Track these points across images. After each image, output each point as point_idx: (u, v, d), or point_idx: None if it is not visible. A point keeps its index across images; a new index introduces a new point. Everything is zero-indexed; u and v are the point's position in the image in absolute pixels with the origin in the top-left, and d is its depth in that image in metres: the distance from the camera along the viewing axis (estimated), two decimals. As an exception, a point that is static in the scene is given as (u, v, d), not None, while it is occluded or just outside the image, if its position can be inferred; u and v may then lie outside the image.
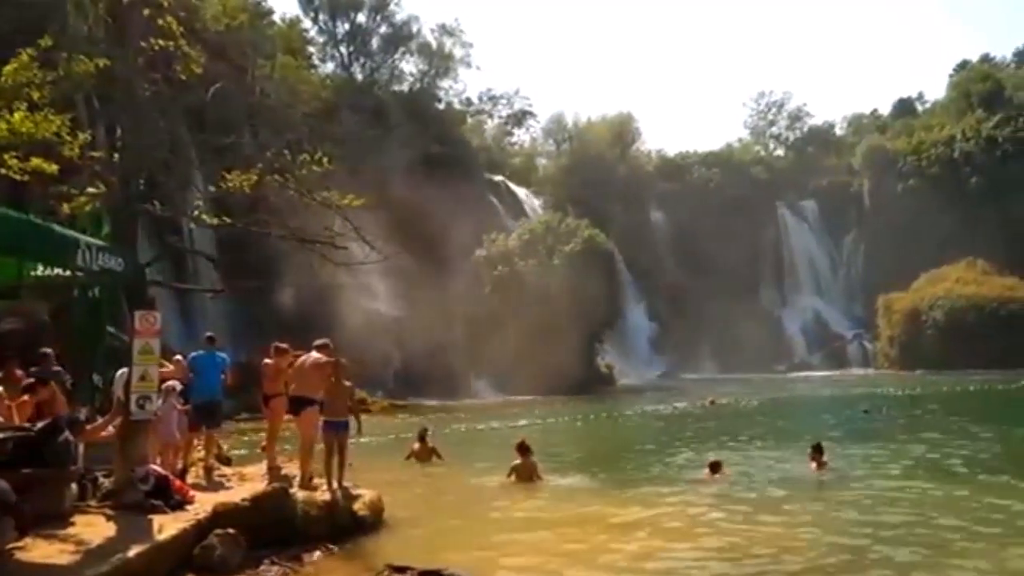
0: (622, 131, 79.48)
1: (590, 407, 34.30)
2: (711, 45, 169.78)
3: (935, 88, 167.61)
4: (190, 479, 10.80)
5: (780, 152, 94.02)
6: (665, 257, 73.80)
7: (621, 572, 8.51)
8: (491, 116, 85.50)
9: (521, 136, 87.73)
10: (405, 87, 63.23)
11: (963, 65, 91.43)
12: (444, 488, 14.41)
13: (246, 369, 14.50)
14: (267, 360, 11.62)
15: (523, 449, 14.42)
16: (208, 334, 12.21)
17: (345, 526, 10.07)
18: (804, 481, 14.12)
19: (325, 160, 12.74)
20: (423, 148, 51.29)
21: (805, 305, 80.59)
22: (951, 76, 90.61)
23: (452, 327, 42.86)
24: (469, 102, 79.72)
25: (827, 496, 12.65)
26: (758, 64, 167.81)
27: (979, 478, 13.82)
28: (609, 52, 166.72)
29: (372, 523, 10.46)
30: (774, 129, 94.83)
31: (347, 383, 11.09)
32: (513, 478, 14.09)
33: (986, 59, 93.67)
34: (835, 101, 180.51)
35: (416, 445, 17.50)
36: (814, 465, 14.82)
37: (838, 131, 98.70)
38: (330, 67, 60.57)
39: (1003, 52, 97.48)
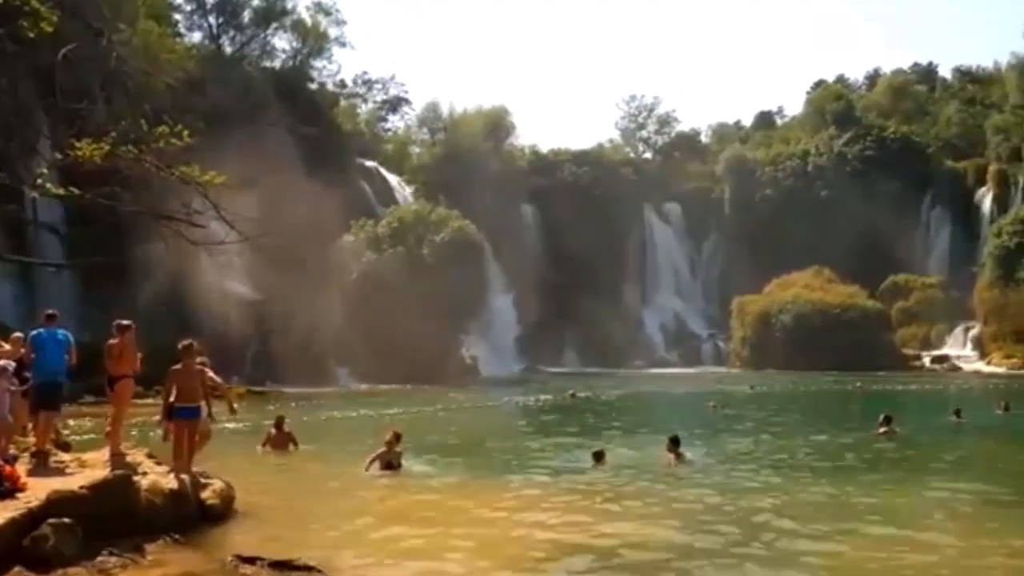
0: (497, 124, 79.74)
1: (454, 397, 34.37)
2: (587, 45, 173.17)
3: (794, 103, 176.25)
4: (23, 465, 10.09)
5: (648, 155, 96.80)
6: (533, 251, 74.69)
7: (473, 562, 8.53)
8: (365, 100, 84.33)
9: (395, 123, 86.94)
10: (277, 64, 61.30)
11: (819, 84, 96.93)
12: (300, 477, 14.09)
13: (91, 349, 13.67)
14: (111, 340, 10.96)
15: (394, 439, 14.37)
16: (48, 311, 11.43)
17: (193, 516, 9.69)
18: (662, 471, 14.65)
19: (186, 134, 12.11)
20: (293, 128, 50.00)
21: (665, 304, 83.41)
22: (808, 93, 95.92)
23: (316, 313, 41.97)
24: (343, 84, 78.27)
25: (683, 486, 13.20)
26: (631, 68, 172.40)
27: (815, 471, 14.67)
28: (487, 44, 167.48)
29: (222, 513, 10.11)
30: (643, 132, 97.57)
31: (199, 367, 10.65)
32: (376, 466, 13.97)
33: (840, 80, 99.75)
34: (702, 109, 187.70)
35: (272, 432, 17.03)
36: (671, 456, 15.40)
37: (703, 138, 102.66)
38: (197, 37, 58.00)
39: (856, 74, 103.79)
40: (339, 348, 43.88)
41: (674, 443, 15.61)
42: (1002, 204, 74.15)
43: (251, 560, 8.20)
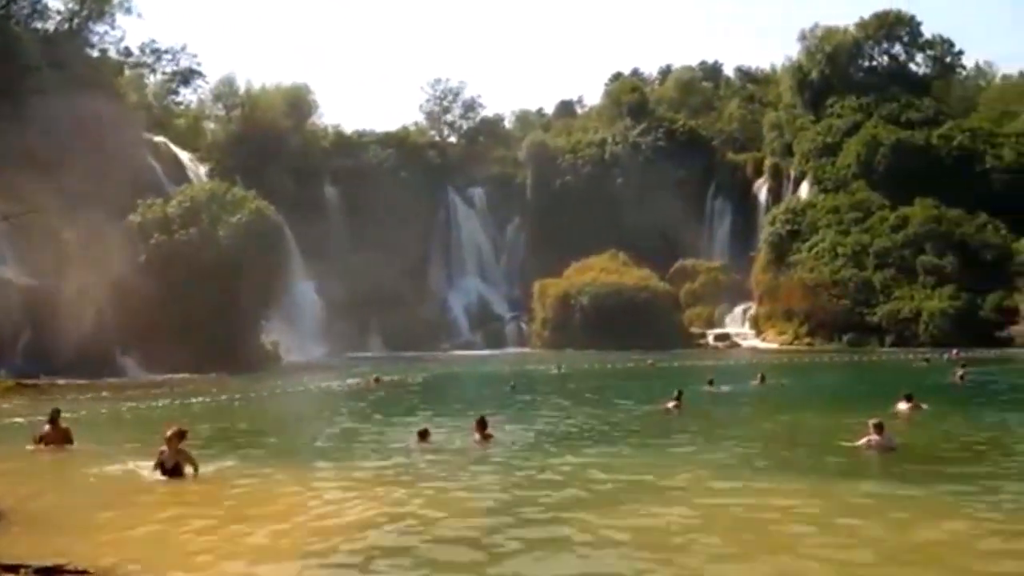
0: (297, 102, 77.18)
1: (252, 385, 33.06)
2: (391, 26, 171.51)
3: (593, 94, 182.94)
4: None
5: (453, 139, 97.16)
6: (337, 234, 73.24)
7: (256, 560, 8.13)
8: (153, 71, 78.80)
9: (187, 96, 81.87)
10: (50, 26, 55.93)
11: (617, 76, 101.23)
12: (76, 476, 12.93)
13: None
14: None
15: (175, 436, 12.47)
16: None
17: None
18: (469, 452, 14.76)
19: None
20: (68, 96, 45.84)
21: (469, 287, 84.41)
22: (606, 85, 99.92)
23: (98, 298, 38.91)
24: (128, 52, 72.76)
25: (488, 464, 13.33)
26: (436, 51, 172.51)
27: (610, 444, 15.28)
28: (286, 19, 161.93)
29: (-18, 519, 9.07)
30: (448, 116, 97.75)
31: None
32: (159, 471, 12.36)
33: (636, 73, 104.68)
34: (506, 96, 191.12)
35: (46, 428, 15.57)
36: (478, 436, 15.54)
37: (507, 124, 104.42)
38: (-49, -7, 51.78)
39: (650, 69, 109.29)
40: (125, 336, 40.95)
41: (481, 424, 15.80)
42: (776, 195, 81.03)
43: (13, 568, 7.42)
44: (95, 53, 59.47)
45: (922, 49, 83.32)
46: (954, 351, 44.88)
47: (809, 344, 65.05)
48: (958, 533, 8.82)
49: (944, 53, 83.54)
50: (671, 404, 20.98)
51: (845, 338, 64.17)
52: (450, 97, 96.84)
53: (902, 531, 8.96)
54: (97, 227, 41.91)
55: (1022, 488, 11.20)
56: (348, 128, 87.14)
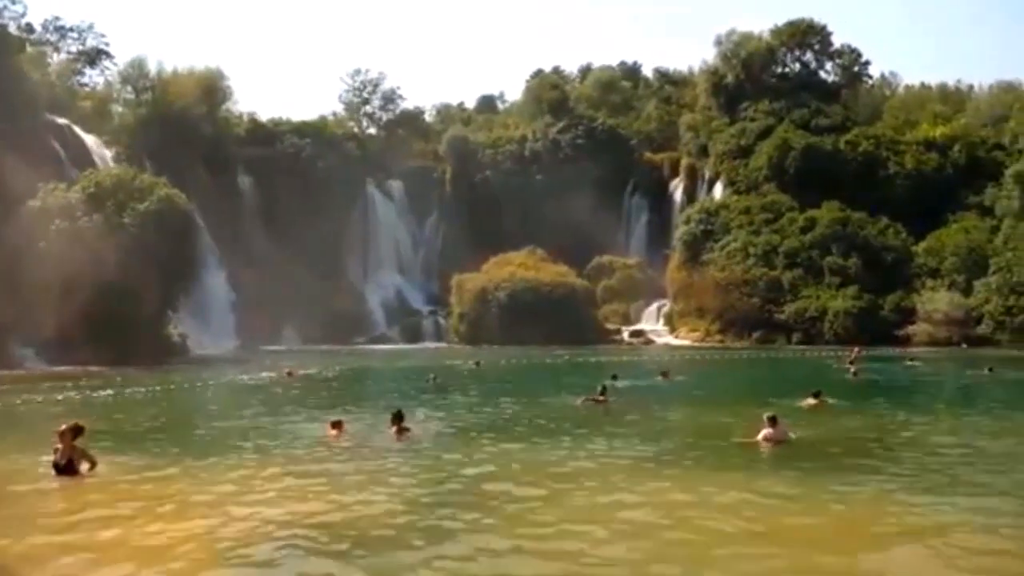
0: (211, 87, 74.96)
1: (158, 378, 31.99)
2: (310, 13, 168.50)
3: (514, 89, 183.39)
4: None
5: (372, 131, 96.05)
6: (251, 224, 71.55)
7: (155, 560, 7.84)
8: (57, 50, 75.54)
9: (94, 78, 78.71)
10: (-56, -1, 53.08)
11: (538, 73, 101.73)
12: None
13: None
14: None
15: (69, 432, 11.67)
16: None
17: None
18: (384, 446, 14.57)
19: None
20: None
21: (387, 281, 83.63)
22: (527, 81, 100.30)
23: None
24: (30, 29, 69.62)
25: (404, 459, 13.20)
26: (356, 40, 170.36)
27: (525, 438, 15.29)
28: (199, 1, 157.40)
29: None
30: (368, 107, 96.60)
31: None
32: (53, 473, 11.60)
33: (557, 71, 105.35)
34: (426, 89, 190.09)
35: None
36: (394, 430, 15.42)
37: (428, 118, 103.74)
38: None
39: (571, 67, 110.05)
40: (22, 326, 39.17)
41: (397, 418, 15.67)
42: (691, 195, 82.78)
43: None
44: (-6, 29, 56.71)
45: (832, 58, 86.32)
46: (856, 349, 46.55)
47: (720, 341, 66.59)
48: (835, 521, 9.13)
49: (852, 62, 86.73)
50: (598, 399, 21.22)
51: (755, 335, 65.93)
52: (369, 88, 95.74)
53: (776, 519, 9.25)
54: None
55: (899, 476, 11.69)
56: (264, 116, 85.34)
